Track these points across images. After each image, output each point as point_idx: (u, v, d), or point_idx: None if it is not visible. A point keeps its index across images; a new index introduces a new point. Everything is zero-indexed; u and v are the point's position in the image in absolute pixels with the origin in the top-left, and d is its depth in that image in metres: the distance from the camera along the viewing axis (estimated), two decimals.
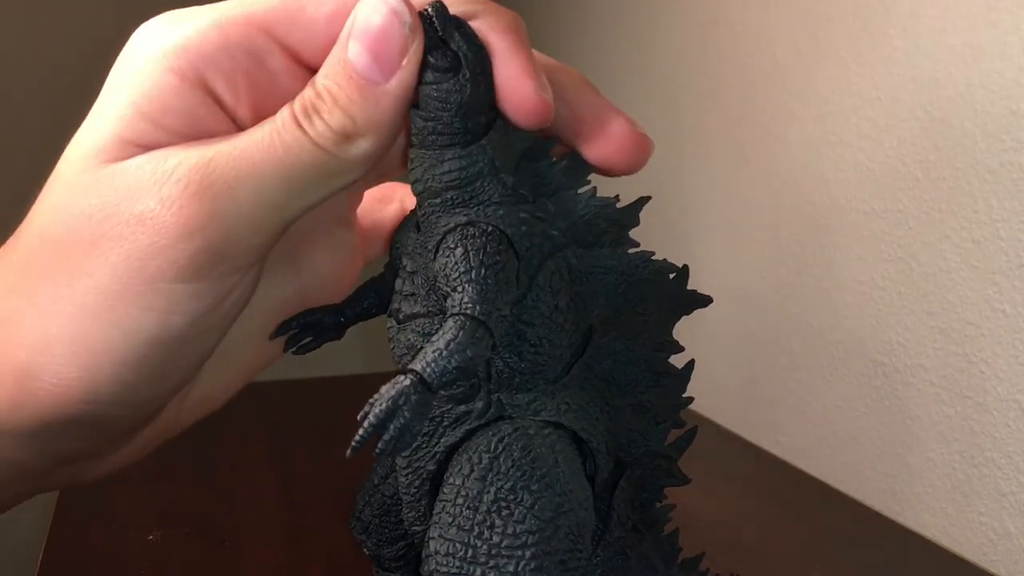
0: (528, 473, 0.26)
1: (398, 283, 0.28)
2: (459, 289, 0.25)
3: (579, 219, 0.28)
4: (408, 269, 0.28)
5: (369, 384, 0.31)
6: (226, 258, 0.25)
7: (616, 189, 0.30)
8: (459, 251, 0.25)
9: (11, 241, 0.27)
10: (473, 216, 0.26)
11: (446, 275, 0.25)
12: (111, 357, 0.25)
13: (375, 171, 0.29)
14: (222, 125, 0.26)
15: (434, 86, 0.26)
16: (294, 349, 0.32)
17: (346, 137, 0.25)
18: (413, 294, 0.27)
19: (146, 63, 0.26)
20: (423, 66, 0.26)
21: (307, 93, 0.25)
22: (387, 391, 0.23)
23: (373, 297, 0.31)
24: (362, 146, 0.26)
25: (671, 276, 0.30)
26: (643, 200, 0.30)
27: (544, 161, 0.28)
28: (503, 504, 0.25)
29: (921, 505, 0.54)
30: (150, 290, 0.25)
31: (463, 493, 0.25)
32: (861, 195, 0.58)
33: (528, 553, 0.25)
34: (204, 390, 0.31)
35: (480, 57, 0.26)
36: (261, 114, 0.26)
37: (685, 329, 0.31)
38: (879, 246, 0.57)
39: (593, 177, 0.30)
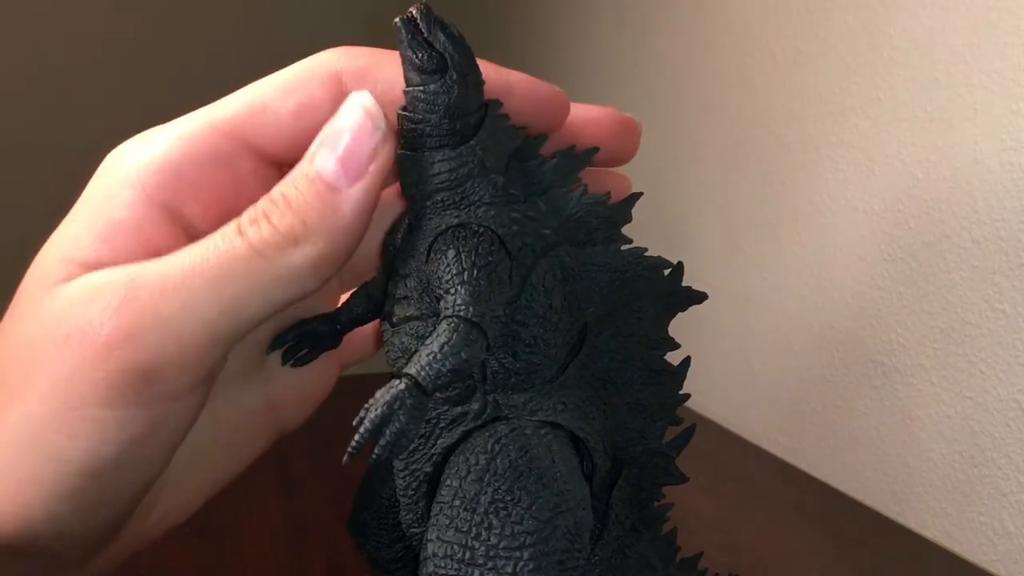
0: (525, 473, 0.25)
1: (391, 286, 0.28)
2: (452, 291, 0.24)
3: (571, 217, 0.28)
4: (401, 272, 0.27)
5: (368, 384, 0.31)
6: (152, 381, 0.23)
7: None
8: (451, 253, 0.25)
9: None
10: (464, 217, 0.26)
11: (438, 277, 0.25)
12: (41, 490, 0.24)
13: (352, 272, 0.29)
14: (180, 243, 0.25)
15: (421, 88, 0.25)
16: (291, 362, 0.32)
17: (292, 241, 0.24)
18: (406, 297, 0.27)
19: (110, 183, 0.25)
20: (410, 67, 0.25)
21: (260, 202, 0.24)
22: (382, 396, 0.23)
23: (367, 302, 0.31)
24: (307, 252, 0.24)
25: (665, 272, 0.29)
26: (635, 196, 0.30)
27: (534, 160, 0.28)
28: (500, 505, 0.25)
29: (921, 505, 0.54)
30: (75, 416, 0.23)
31: (460, 495, 0.25)
32: (861, 195, 0.58)
33: (526, 554, 0.25)
34: (167, 507, 0.29)
35: (466, 57, 0.26)
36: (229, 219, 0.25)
37: (684, 328, 0.31)
38: (879, 246, 0.57)
39: (593, 175, 0.30)
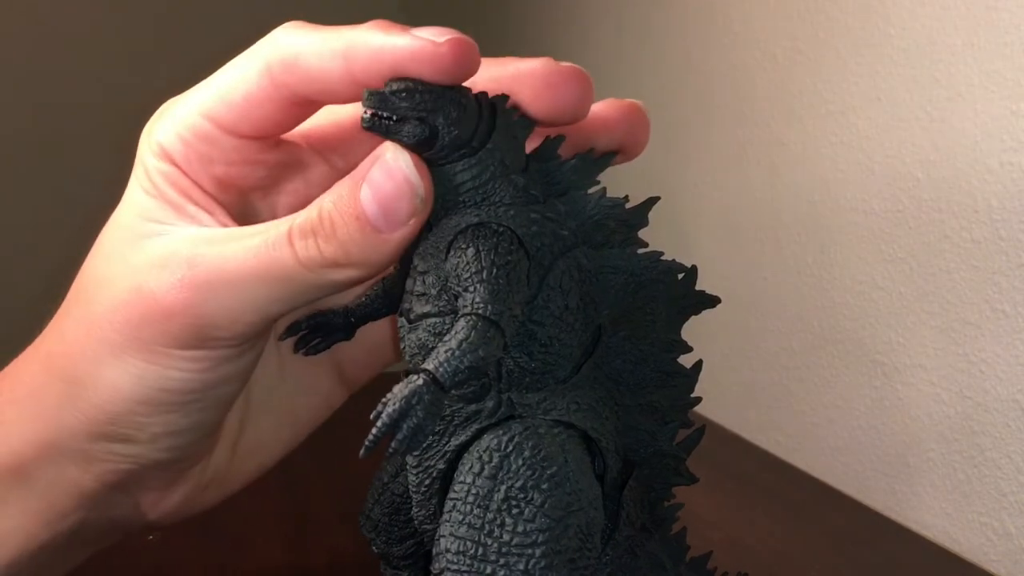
0: (538, 472, 0.26)
1: (409, 283, 0.28)
2: (471, 289, 0.25)
3: (589, 219, 0.29)
4: (419, 269, 0.28)
5: (373, 383, 0.31)
6: (207, 339, 0.29)
7: (616, 189, 0.30)
8: (471, 251, 0.25)
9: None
10: (484, 216, 0.26)
11: (458, 275, 0.25)
12: (123, 395, 0.29)
13: None
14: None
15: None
16: (304, 350, 0.32)
17: (334, 265, 0.27)
18: (424, 294, 0.27)
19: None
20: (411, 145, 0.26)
21: (311, 214, 0.27)
22: (400, 391, 0.23)
23: (383, 297, 0.31)
24: (348, 274, 0.28)
25: (680, 276, 0.30)
26: (652, 200, 0.30)
27: (553, 161, 0.29)
28: (513, 503, 0.25)
29: (921, 505, 0.54)
30: (146, 348, 0.29)
31: (473, 492, 0.25)
32: (861, 195, 0.59)
33: (538, 551, 0.25)
34: (250, 444, 0.36)
35: (440, 94, 0.26)
36: (224, 182, 0.30)
37: (686, 329, 0.31)
38: (879, 246, 0.57)
39: (601, 176, 0.30)
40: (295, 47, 0.28)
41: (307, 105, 0.29)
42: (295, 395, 0.36)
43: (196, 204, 0.30)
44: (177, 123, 0.29)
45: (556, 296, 0.27)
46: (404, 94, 0.25)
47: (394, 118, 0.26)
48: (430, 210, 0.27)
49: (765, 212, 0.68)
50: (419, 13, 1.46)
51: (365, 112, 0.26)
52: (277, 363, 0.35)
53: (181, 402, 0.30)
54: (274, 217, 0.31)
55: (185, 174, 0.30)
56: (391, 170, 0.26)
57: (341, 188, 0.27)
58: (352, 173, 0.27)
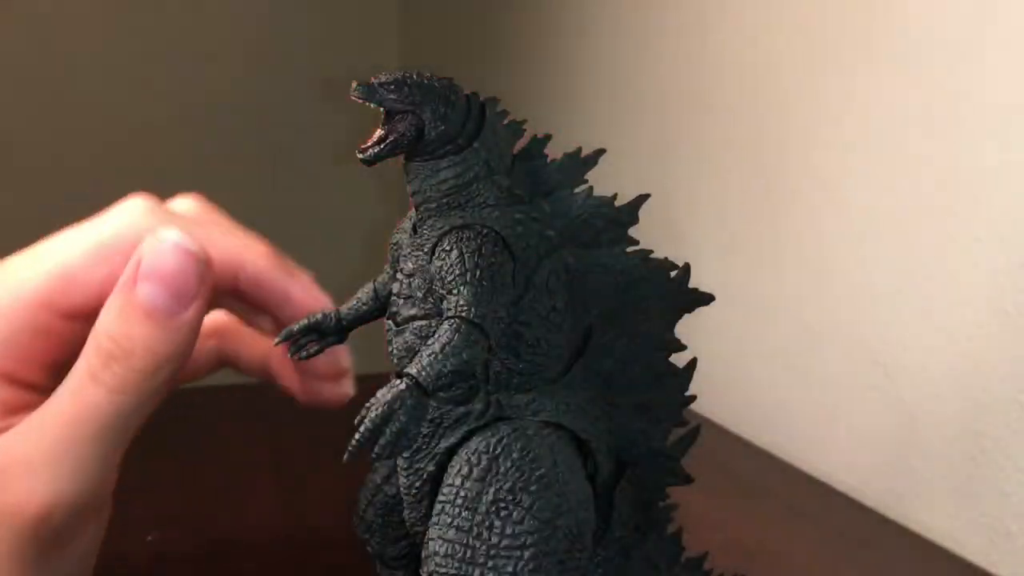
0: (527, 474, 0.26)
1: (396, 286, 0.28)
2: (455, 291, 0.25)
3: (575, 219, 0.28)
4: (405, 272, 0.28)
5: (368, 384, 0.31)
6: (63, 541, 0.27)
7: (617, 189, 0.30)
8: (454, 253, 0.25)
9: None
10: (468, 218, 0.26)
11: (441, 277, 0.25)
12: None
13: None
14: (20, 398, 0.28)
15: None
16: (300, 355, 0.32)
17: (150, 374, 0.26)
18: (410, 296, 0.27)
19: None
20: (399, 140, 0.26)
21: (98, 343, 0.26)
22: (383, 395, 0.23)
23: (373, 300, 0.31)
24: (165, 375, 0.27)
25: (672, 274, 0.30)
26: (642, 198, 0.30)
27: (539, 160, 0.28)
28: (502, 505, 0.25)
29: (922, 505, 0.54)
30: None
31: (462, 494, 0.25)
32: (861, 195, 0.58)
33: (527, 554, 0.25)
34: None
35: (429, 88, 0.26)
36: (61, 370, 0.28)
37: (684, 329, 0.31)
38: (879, 246, 0.57)
39: (592, 175, 0.30)
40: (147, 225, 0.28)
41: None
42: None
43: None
44: None
45: (542, 297, 0.27)
46: (392, 86, 0.26)
47: (380, 106, 0.26)
48: (213, 278, 0.26)
49: (765, 212, 0.68)
50: (419, 12, 1.46)
51: (353, 96, 0.26)
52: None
53: None
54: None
55: None
56: (163, 250, 0.26)
57: (114, 301, 0.26)
58: (118, 286, 0.26)
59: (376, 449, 0.23)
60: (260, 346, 0.35)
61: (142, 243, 0.26)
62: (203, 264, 0.26)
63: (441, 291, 0.25)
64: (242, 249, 0.31)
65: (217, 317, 0.36)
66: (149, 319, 0.26)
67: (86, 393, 0.26)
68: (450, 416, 0.27)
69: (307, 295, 0.32)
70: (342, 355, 0.33)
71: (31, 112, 1.36)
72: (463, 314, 0.24)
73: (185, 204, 0.32)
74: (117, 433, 0.27)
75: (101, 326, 0.26)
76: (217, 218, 0.32)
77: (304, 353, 0.32)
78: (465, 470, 0.26)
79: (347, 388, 0.34)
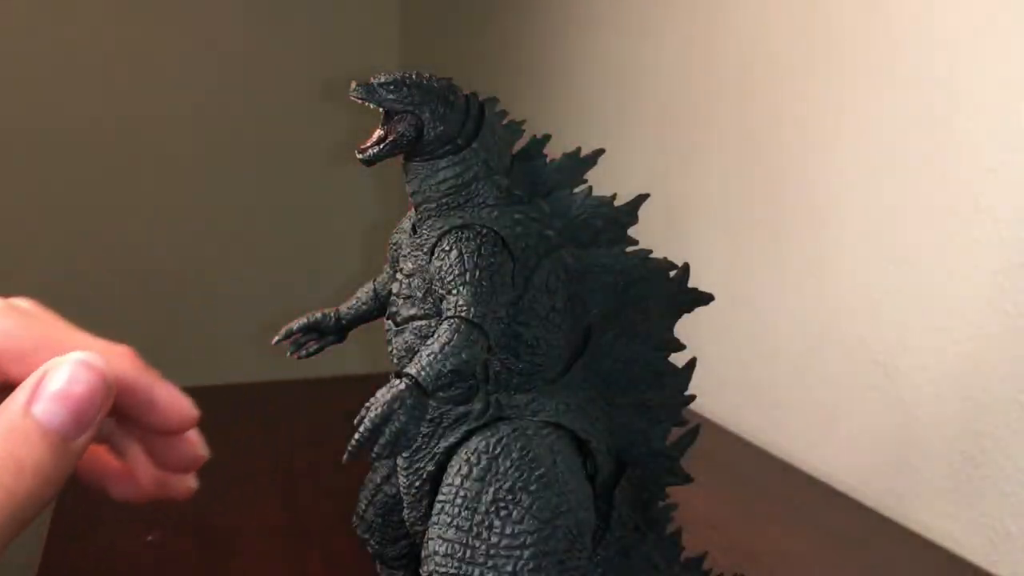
0: (527, 474, 0.26)
1: (395, 286, 0.28)
2: (454, 292, 0.25)
3: (575, 219, 0.29)
4: (405, 272, 0.28)
5: (369, 384, 0.31)
6: None
7: (618, 189, 0.30)
8: (454, 254, 0.26)
9: None
10: (468, 218, 0.26)
11: (441, 277, 0.25)
12: None
13: None
14: None
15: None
16: (299, 354, 0.32)
17: (35, 499, 0.24)
18: (410, 296, 0.27)
19: None
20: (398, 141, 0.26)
21: None
22: (382, 395, 0.23)
23: (373, 300, 0.31)
24: (48, 497, 0.25)
25: (671, 274, 0.30)
26: (642, 197, 0.30)
27: (538, 160, 0.29)
28: (502, 505, 0.25)
29: (922, 505, 0.54)
30: None
31: (462, 494, 0.25)
32: (862, 195, 0.58)
33: (526, 553, 0.25)
34: None
35: (429, 89, 0.26)
36: None
37: (683, 328, 0.31)
38: (879, 246, 0.57)
39: (591, 175, 0.30)
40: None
41: None
42: None
43: None
44: None
45: (542, 297, 0.27)
46: (392, 86, 0.26)
47: (380, 108, 0.26)
48: (110, 405, 0.26)
49: (765, 212, 0.68)
50: (419, 13, 1.46)
51: (352, 96, 0.26)
52: None
53: None
54: None
55: None
56: (75, 372, 0.25)
57: (4, 417, 0.25)
58: (9, 401, 0.25)
59: (376, 449, 0.23)
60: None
61: (47, 362, 0.25)
62: (111, 389, 0.25)
63: (441, 291, 0.26)
64: (106, 352, 0.30)
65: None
66: (44, 440, 0.24)
67: None
68: (450, 416, 0.27)
69: (173, 399, 0.31)
70: (198, 445, 0.32)
71: (31, 112, 1.36)
72: (463, 314, 0.24)
73: (25, 304, 0.31)
74: None
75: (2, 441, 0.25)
76: (61, 322, 0.31)
77: (304, 352, 0.32)
78: (465, 470, 0.26)
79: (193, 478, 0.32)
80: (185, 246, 1.40)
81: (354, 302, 0.32)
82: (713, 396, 0.71)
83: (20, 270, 1.25)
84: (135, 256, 1.36)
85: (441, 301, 0.25)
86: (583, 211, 0.29)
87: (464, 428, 0.27)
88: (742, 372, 0.71)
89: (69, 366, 0.25)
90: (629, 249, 0.29)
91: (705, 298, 0.30)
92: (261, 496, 0.54)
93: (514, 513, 0.25)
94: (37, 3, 1.36)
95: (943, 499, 0.52)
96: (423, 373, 0.23)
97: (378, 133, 0.27)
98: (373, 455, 0.23)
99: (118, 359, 0.30)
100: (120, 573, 0.45)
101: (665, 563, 0.31)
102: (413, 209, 0.28)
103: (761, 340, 0.69)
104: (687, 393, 0.31)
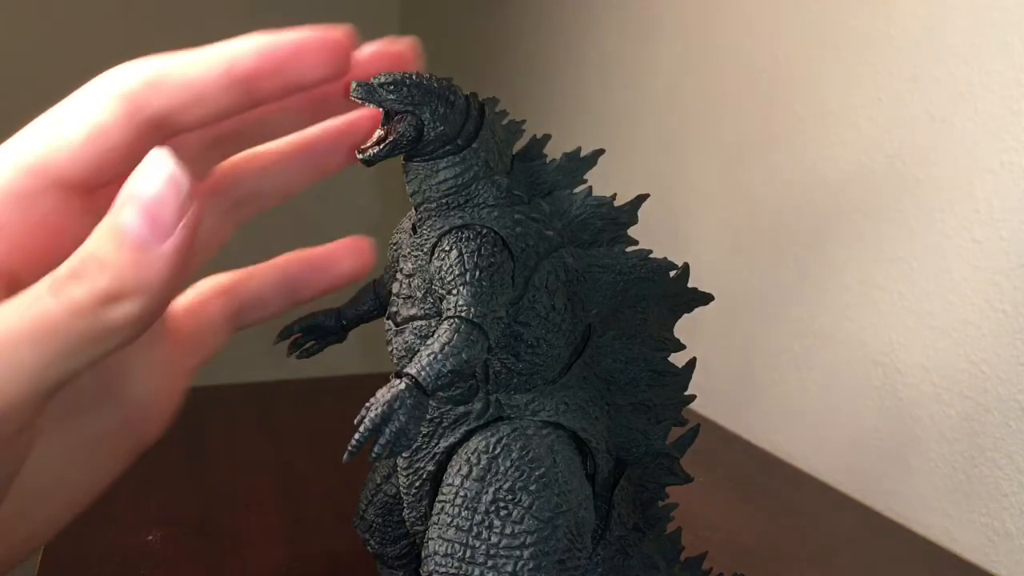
0: (527, 474, 0.26)
1: (395, 286, 0.28)
2: (454, 291, 0.25)
3: (575, 218, 0.28)
4: (405, 271, 0.28)
5: (368, 384, 0.31)
6: None
7: (618, 189, 0.30)
8: (454, 253, 0.25)
9: None
10: (468, 218, 0.26)
11: (441, 277, 0.25)
12: None
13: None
14: None
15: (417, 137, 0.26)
16: (298, 354, 0.32)
17: (111, 300, 0.24)
18: (410, 296, 0.27)
19: None
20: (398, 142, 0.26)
21: (71, 261, 0.24)
22: (382, 395, 0.23)
23: (373, 300, 0.31)
24: (128, 308, 0.24)
25: (671, 274, 0.30)
26: (641, 198, 0.30)
27: (538, 160, 0.29)
28: (501, 505, 0.25)
29: (922, 505, 0.54)
30: None
31: (462, 494, 0.25)
32: (862, 195, 0.58)
33: (526, 553, 0.25)
34: (30, 528, 0.30)
35: (429, 88, 0.26)
36: (44, 258, 0.26)
37: (684, 329, 0.31)
38: (879, 246, 0.57)
39: (591, 175, 0.30)
40: (155, 67, 0.25)
41: (160, 132, 0.26)
42: (85, 474, 0.31)
43: None
44: None
45: (542, 297, 0.27)
46: (392, 86, 0.25)
47: (380, 107, 0.26)
48: (200, 217, 0.25)
49: (766, 212, 0.68)
50: (419, 13, 1.46)
51: (353, 97, 0.26)
52: (64, 448, 0.30)
53: None
54: None
55: None
56: (149, 172, 0.24)
57: (101, 225, 0.24)
58: (112, 205, 0.24)
59: (376, 449, 0.23)
60: (273, 270, 0.32)
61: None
62: (184, 194, 0.24)
63: (440, 291, 0.25)
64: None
65: (219, 277, 0.33)
66: (122, 244, 0.24)
67: (41, 302, 0.24)
68: (450, 416, 0.27)
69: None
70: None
71: (32, 113, 1.36)
72: (462, 314, 0.24)
73: None
74: (61, 355, 0.24)
75: (85, 243, 0.24)
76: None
77: (304, 352, 0.32)
78: (465, 470, 0.26)
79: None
80: None
81: (354, 302, 0.32)
82: (713, 396, 0.71)
83: None
84: None
85: (441, 301, 0.25)
86: (583, 211, 0.29)
87: (464, 428, 0.27)
88: (742, 372, 0.71)
89: (142, 167, 0.24)
90: (629, 249, 0.29)
91: (705, 298, 0.30)
92: (261, 496, 0.54)
93: (514, 513, 0.25)
94: (37, 3, 1.36)
95: (943, 499, 0.52)
96: (423, 373, 0.23)
97: (378, 133, 0.26)
98: (373, 455, 0.23)
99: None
100: (120, 573, 0.45)
101: (665, 563, 0.31)
102: (413, 209, 0.28)
103: (761, 340, 0.69)
104: (687, 393, 0.31)
